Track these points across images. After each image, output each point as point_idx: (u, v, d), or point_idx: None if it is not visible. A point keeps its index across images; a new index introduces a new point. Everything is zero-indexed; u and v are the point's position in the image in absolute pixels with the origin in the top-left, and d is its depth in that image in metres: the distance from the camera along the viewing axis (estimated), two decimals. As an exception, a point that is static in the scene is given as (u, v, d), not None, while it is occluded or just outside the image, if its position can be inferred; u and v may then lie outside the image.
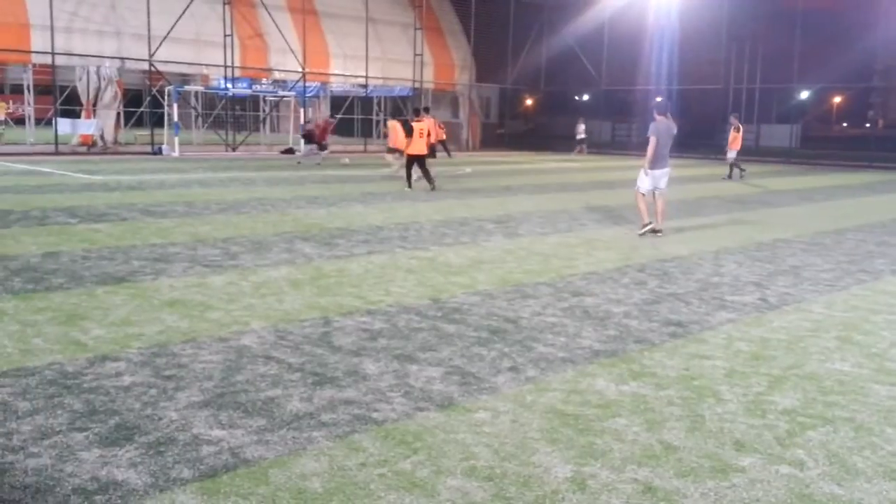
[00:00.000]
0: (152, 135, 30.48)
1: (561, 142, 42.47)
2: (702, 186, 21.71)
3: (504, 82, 45.11)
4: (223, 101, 37.94)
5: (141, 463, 3.80)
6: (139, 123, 39.91)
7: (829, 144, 44.69)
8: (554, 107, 52.93)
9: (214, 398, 4.70)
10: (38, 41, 27.23)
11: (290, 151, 32.55)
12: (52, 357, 5.38)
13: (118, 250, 9.49)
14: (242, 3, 32.55)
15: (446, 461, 3.92)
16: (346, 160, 24.01)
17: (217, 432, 4.19)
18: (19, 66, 33.45)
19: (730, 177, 24.42)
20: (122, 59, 29.48)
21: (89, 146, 29.41)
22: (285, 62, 33.69)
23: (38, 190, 15.93)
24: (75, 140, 29.91)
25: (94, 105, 29.64)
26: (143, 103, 38.80)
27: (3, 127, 36.61)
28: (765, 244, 11.43)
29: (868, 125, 53.49)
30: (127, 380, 4.98)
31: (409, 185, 18.29)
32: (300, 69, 33.84)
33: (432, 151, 21.12)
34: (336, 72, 36.15)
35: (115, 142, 30.81)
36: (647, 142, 11.80)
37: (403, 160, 19.88)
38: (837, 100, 62.74)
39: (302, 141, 29.71)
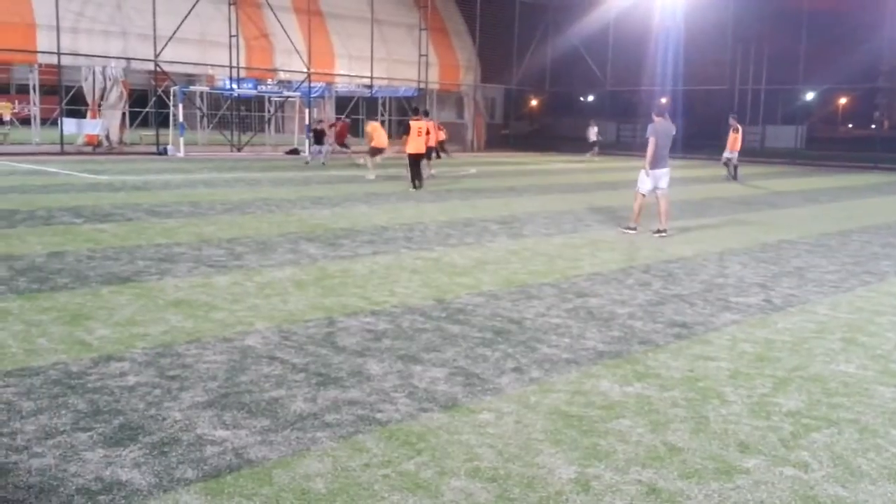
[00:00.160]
0: (157, 135, 30.53)
1: (566, 143, 42.45)
2: (706, 187, 21.67)
3: (509, 83, 45.11)
4: (228, 102, 38.06)
5: (145, 463, 3.81)
6: (144, 123, 40.06)
7: (835, 145, 44.61)
8: (559, 108, 52.94)
9: (218, 398, 4.70)
10: (44, 41, 27.31)
11: (294, 152, 32.61)
12: (57, 357, 5.39)
13: (123, 250, 9.51)
14: (248, 3, 32.61)
15: (450, 462, 3.92)
16: (362, 161, 23.93)
17: (221, 432, 4.20)
18: (25, 66, 33.57)
19: (735, 178, 24.35)
20: (127, 59, 29.55)
21: (94, 146, 29.48)
22: (290, 63, 33.73)
23: (44, 190, 15.97)
24: (80, 140, 29.97)
25: (100, 105, 29.72)
26: (148, 103, 38.91)
27: (9, 127, 36.74)
28: (769, 245, 11.40)
29: (873, 126, 53.39)
30: (131, 380, 4.99)
31: (416, 186, 18.30)
32: (305, 70, 33.88)
33: (429, 153, 21.26)
34: (341, 72, 36.19)
35: (121, 142, 30.90)
36: (647, 143, 11.90)
37: (376, 159, 21.47)
38: (843, 101, 62.64)
39: (307, 141, 29.76)
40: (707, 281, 8.69)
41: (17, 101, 42.40)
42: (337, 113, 40.16)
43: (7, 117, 36.97)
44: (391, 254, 9.83)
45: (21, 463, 3.78)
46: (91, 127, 29.82)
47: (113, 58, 29.10)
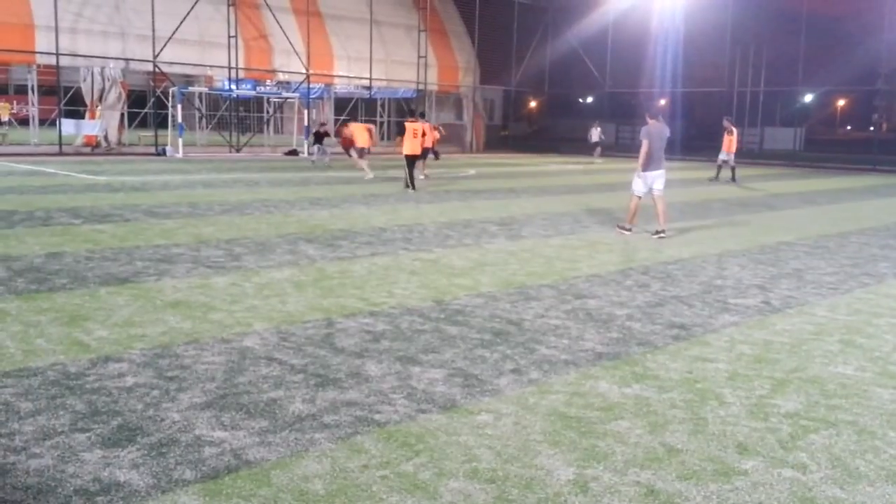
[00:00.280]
0: (156, 136, 30.52)
1: (566, 144, 42.48)
2: (705, 189, 21.69)
3: (508, 84, 45.15)
4: (227, 103, 38.02)
5: (143, 464, 3.80)
6: (143, 124, 40.01)
7: (833, 148, 44.69)
8: (558, 109, 53.00)
9: (217, 399, 4.70)
10: (43, 42, 27.30)
11: (293, 153, 32.61)
12: (55, 358, 5.38)
13: (122, 251, 9.50)
14: (247, 4, 32.62)
15: (448, 463, 3.91)
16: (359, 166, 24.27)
17: (219, 433, 4.19)
18: (23, 67, 33.53)
19: (733, 179, 24.38)
20: (126, 59, 29.55)
21: (93, 147, 29.46)
22: (289, 64, 33.74)
23: (42, 190, 15.96)
24: (79, 141, 29.95)
25: (99, 106, 29.69)
26: (147, 104, 38.86)
27: (8, 127, 36.72)
28: (768, 247, 11.41)
29: (872, 129, 53.40)
30: (129, 381, 4.98)
31: (413, 187, 18.34)
32: (304, 71, 33.89)
33: (425, 154, 21.48)
34: (340, 73, 36.20)
35: (119, 143, 30.87)
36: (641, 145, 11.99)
37: (355, 156, 22.24)
38: (841, 103, 62.73)
39: (306, 142, 29.74)
40: (706, 282, 8.70)
41: (15, 102, 42.35)
42: (336, 114, 40.17)
43: (5, 118, 36.92)
44: (390, 255, 9.83)
45: (19, 464, 3.77)
46: (90, 128, 29.80)
47: (111, 58, 29.10)
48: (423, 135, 19.40)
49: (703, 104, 45.08)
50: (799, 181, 26.31)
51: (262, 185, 18.74)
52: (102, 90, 29.53)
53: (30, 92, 34.09)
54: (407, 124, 18.72)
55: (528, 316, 6.95)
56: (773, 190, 22.23)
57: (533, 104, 54.28)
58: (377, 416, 4.50)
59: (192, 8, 29.92)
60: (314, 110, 36.41)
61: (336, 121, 36.41)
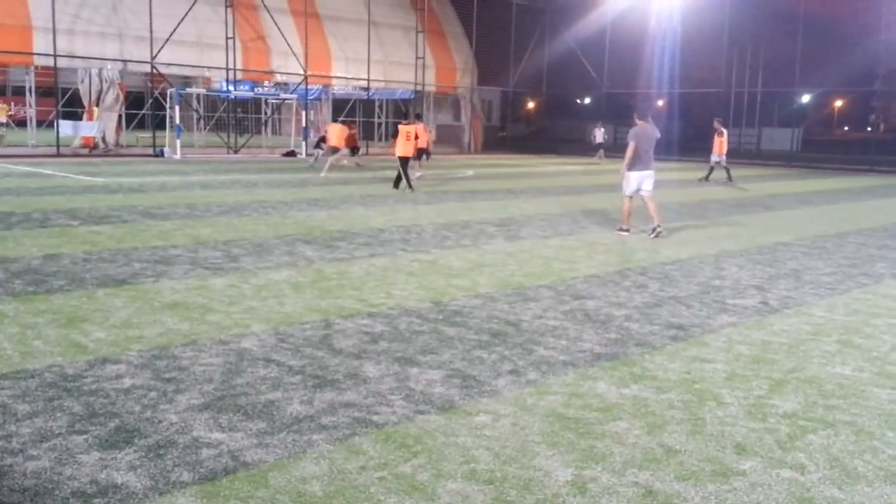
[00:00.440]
0: (154, 137, 30.49)
1: (563, 145, 42.50)
2: (702, 190, 21.71)
3: (506, 85, 45.15)
4: (225, 104, 37.99)
5: (140, 466, 3.80)
6: (141, 126, 39.98)
7: (831, 148, 44.74)
8: (556, 110, 53.06)
9: (214, 401, 4.69)
10: (41, 43, 27.28)
11: (291, 154, 32.60)
12: (52, 359, 5.37)
13: (119, 252, 9.49)
14: (244, 5, 32.61)
15: (447, 464, 3.91)
16: (346, 162, 24.88)
17: (217, 435, 4.19)
18: (21, 68, 33.49)
19: (729, 179, 24.39)
20: (124, 61, 29.53)
21: (91, 148, 29.43)
22: (287, 65, 33.73)
23: (40, 192, 15.94)
24: (77, 142, 29.92)
25: (96, 107, 29.67)
26: (144, 106, 38.88)
27: (5, 129, 36.67)
28: (766, 247, 11.42)
29: (869, 129, 53.51)
30: (127, 382, 4.98)
31: (411, 187, 18.41)
32: (302, 72, 33.88)
33: (420, 155, 21.87)
34: (338, 74, 36.20)
35: (117, 144, 30.83)
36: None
37: (337, 156, 23.07)
38: (839, 104, 62.79)
39: (305, 145, 29.72)
40: (703, 283, 8.70)
41: (13, 103, 42.33)
42: (334, 115, 40.15)
43: (3, 119, 36.87)
44: (388, 256, 9.82)
45: (16, 466, 3.76)
46: (87, 129, 29.77)
47: (109, 60, 29.08)
48: (416, 137, 19.57)
49: (701, 105, 45.10)
50: (796, 182, 26.34)
51: (260, 187, 18.74)
52: (100, 91, 29.50)
53: (27, 93, 34.04)
54: (400, 127, 18.91)
55: (526, 317, 6.95)
56: (771, 190, 22.25)
57: (531, 105, 54.32)
58: (375, 418, 4.49)
59: (190, 9, 29.90)
60: (312, 111, 36.36)
61: (335, 121, 36.35)
